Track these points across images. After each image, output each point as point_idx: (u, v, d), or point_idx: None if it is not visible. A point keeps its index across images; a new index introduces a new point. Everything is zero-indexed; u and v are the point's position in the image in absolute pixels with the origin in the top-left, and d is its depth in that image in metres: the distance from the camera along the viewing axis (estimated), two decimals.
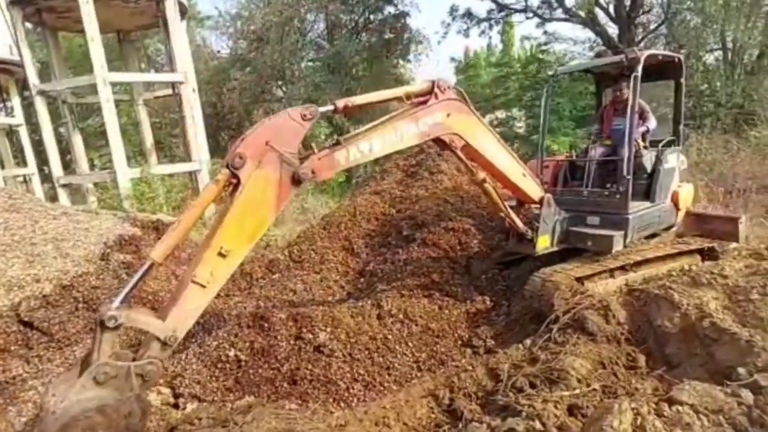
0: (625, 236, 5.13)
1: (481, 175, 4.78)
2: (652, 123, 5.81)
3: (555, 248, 5.42)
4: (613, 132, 5.85)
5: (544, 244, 5.25)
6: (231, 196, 3.08)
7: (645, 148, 5.65)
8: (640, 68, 4.95)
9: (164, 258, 2.98)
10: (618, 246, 5.09)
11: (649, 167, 5.53)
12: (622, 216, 5.15)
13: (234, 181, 3.03)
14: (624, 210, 5.14)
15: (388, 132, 3.75)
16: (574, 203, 5.54)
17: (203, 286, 2.93)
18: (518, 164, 4.94)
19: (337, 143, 3.47)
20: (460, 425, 3.59)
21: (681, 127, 6.00)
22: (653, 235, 5.78)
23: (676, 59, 5.63)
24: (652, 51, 5.72)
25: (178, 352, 4.91)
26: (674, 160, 5.74)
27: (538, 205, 5.23)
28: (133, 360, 2.80)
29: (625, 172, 5.08)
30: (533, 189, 5.15)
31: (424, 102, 3.97)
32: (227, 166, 2.99)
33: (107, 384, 2.65)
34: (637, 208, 5.27)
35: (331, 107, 3.52)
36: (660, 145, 5.77)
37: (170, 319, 2.84)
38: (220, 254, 2.95)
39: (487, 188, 4.84)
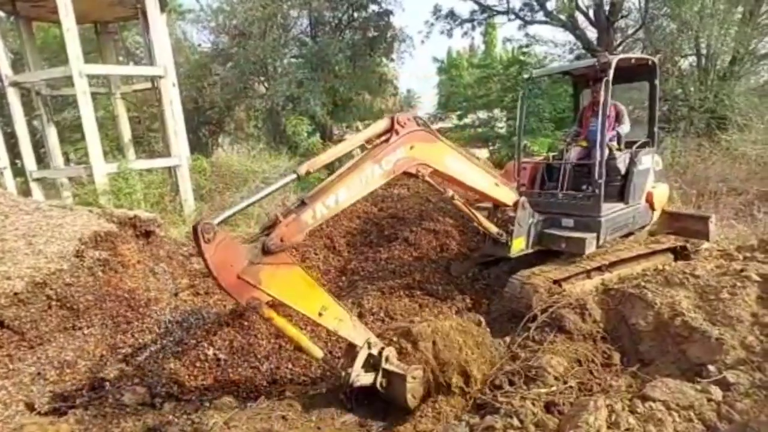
0: (598, 238, 5.23)
1: (449, 192, 4.92)
2: (626, 125, 5.89)
3: (530, 250, 5.51)
4: (590, 133, 5.95)
5: (518, 246, 5.36)
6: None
7: (619, 150, 5.74)
8: (611, 72, 5.03)
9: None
10: (590, 248, 5.20)
11: (623, 169, 5.63)
12: (594, 218, 5.24)
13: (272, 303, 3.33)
14: (596, 212, 5.23)
15: (353, 180, 3.67)
16: (549, 205, 5.63)
17: (340, 320, 3.60)
18: (489, 175, 5.06)
19: (303, 203, 3.43)
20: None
21: (656, 128, 6.09)
22: (628, 234, 5.91)
23: (650, 62, 5.74)
24: (625, 55, 5.83)
25: (156, 351, 4.84)
26: (649, 161, 5.84)
27: (513, 209, 5.34)
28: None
29: (596, 176, 5.17)
30: (507, 195, 5.27)
31: (387, 141, 3.91)
32: (260, 314, 3.30)
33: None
34: (610, 210, 5.37)
35: (293, 176, 3.46)
36: (634, 146, 5.89)
37: (357, 339, 3.66)
38: (320, 314, 3.48)
39: (456, 204, 5.03)
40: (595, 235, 5.21)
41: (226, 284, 3.04)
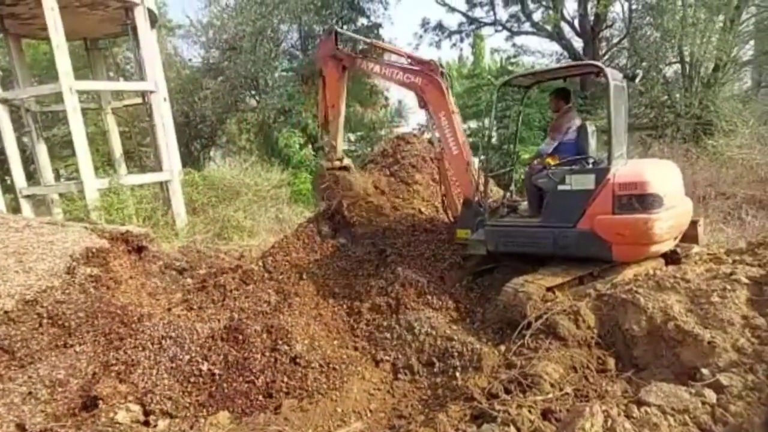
0: (484, 243, 5.69)
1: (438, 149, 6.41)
2: (546, 145, 5.76)
3: None
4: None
5: (461, 235, 6.06)
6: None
7: (538, 168, 5.64)
8: (494, 96, 5.93)
9: None
10: (473, 250, 5.86)
11: (542, 187, 5.50)
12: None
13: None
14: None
15: (386, 69, 6.23)
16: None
17: (339, 128, 7.20)
18: (466, 160, 5.84)
19: (364, 56, 6.58)
20: None
21: (611, 143, 4.93)
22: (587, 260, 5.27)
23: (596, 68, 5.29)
24: (513, 76, 6.30)
25: (149, 368, 4.78)
26: (586, 182, 5.05)
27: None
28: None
29: (467, 188, 5.88)
30: (467, 187, 5.96)
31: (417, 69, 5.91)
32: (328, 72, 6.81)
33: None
34: (506, 222, 5.79)
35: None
36: (557, 165, 5.56)
37: (335, 142, 7.23)
38: (331, 107, 6.90)
39: (440, 165, 6.42)
40: (483, 239, 5.67)
41: (320, 55, 6.99)
